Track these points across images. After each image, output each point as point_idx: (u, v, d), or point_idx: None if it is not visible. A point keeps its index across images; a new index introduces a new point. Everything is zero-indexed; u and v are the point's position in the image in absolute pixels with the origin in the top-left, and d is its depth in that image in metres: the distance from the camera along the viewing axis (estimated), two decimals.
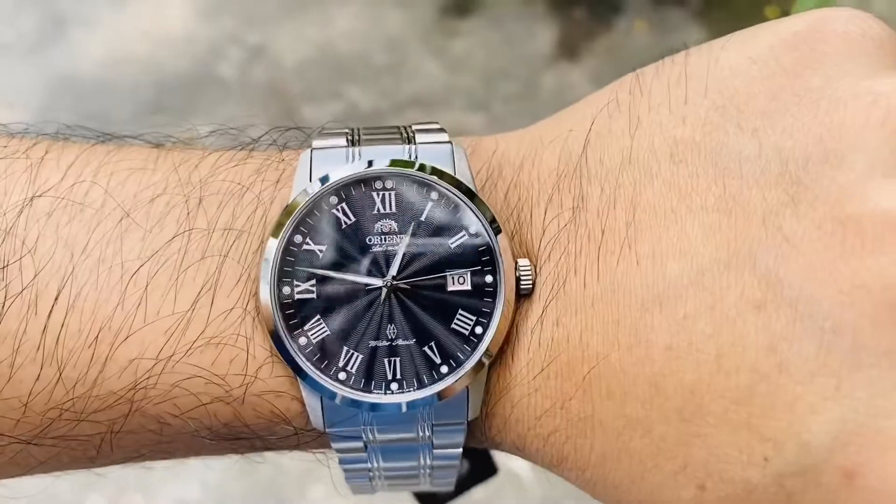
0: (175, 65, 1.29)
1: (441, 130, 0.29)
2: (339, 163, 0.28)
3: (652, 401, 0.25)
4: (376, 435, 0.28)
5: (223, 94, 1.22)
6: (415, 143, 0.28)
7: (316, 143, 0.28)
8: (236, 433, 0.28)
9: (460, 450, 0.29)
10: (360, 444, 0.28)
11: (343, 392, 0.27)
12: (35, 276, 0.26)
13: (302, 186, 0.27)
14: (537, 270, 0.27)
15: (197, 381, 0.26)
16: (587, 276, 0.26)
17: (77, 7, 1.30)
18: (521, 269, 0.27)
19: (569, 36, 1.31)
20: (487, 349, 0.27)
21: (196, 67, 1.28)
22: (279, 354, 0.26)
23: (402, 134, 0.29)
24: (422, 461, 0.29)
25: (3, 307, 0.25)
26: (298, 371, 0.26)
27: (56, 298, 0.26)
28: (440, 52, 1.31)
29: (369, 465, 0.29)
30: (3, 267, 0.26)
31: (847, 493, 0.22)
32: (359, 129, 0.29)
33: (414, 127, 0.29)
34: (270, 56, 1.28)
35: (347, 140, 0.28)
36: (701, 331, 0.24)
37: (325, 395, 0.27)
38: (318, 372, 0.27)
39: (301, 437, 0.28)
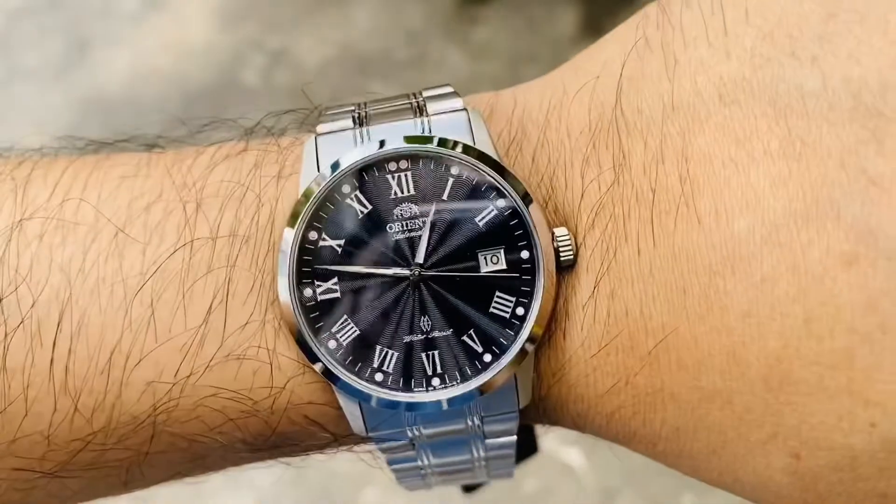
0: (199, 75, 1.29)
1: (454, 94, 0.27)
2: (347, 146, 0.25)
3: (731, 371, 0.23)
4: (423, 431, 0.26)
5: (249, 100, 1.22)
6: (427, 115, 0.26)
7: (321, 128, 0.26)
8: (272, 443, 0.26)
9: (514, 437, 0.27)
10: (406, 443, 0.27)
11: (378, 394, 0.25)
12: (33, 304, 0.24)
13: (310, 178, 0.25)
14: (581, 239, 0.25)
15: (221, 399, 0.25)
16: (641, 241, 0.24)
17: (99, 27, 1.31)
18: (559, 239, 0.25)
19: (592, 15, 1.28)
20: (531, 334, 0.25)
21: (220, 76, 1.27)
22: (308, 361, 0.25)
23: (412, 104, 0.27)
24: (475, 453, 0.27)
25: (5, 342, 0.24)
26: (330, 377, 0.25)
27: (59, 326, 0.24)
28: (462, 40, 1.29)
29: (419, 463, 0.27)
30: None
31: None
32: (365, 104, 0.27)
33: (424, 94, 0.27)
34: (293, 59, 1.28)
35: (354, 120, 0.26)
36: (784, 293, 0.22)
37: (361, 399, 0.25)
38: (351, 376, 0.25)
39: (342, 441, 0.27)
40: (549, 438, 0.93)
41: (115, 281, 0.25)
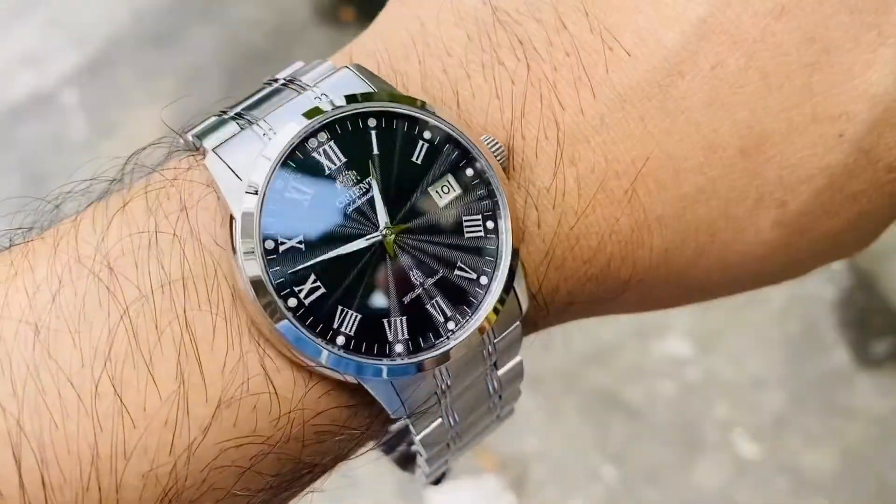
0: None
1: (320, 62, 0.25)
2: (253, 146, 0.24)
3: (709, 162, 0.24)
4: (450, 382, 0.25)
5: None
6: (311, 87, 0.25)
7: (209, 143, 0.24)
8: (299, 472, 0.24)
9: (521, 358, 0.26)
10: (436, 406, 0.25)
11: (406, 362, 0.24)
12: None
13: (235, 191, 0.23)
14: (519, 132, 0.25)
15: (230, 453, 0.22)
16: (581, 101, 0.24)
17: (53, 161, 1.28)
18: (488, 144, 0.25)
19: None
20: (513, 245, 0.24)
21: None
22: (316, 372, 0.23)
23: (286, 85, 0.25)
24: (491, 389, 0.27)
25: None
26: (359, 370, 0.23)
27: (18, 465, 0.21)
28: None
29: (449, 423, 0.26)
30: None
31: None
32: (230, 108, 0.25)
33: (285, 76, 0.25)
34: None
35: (237, 124, 0.24)
36: (735, 67, 0.24)
37: (393, 376, 0.24)
38: (374, 359, 0.23)
39: (368, 436, 0.25)
40: None
41: (60, 386, 0.21)
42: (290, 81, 0.25)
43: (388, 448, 0.29)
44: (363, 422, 0.25)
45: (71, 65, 1.28)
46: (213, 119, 0.25)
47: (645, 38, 0.24)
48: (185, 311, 0.22)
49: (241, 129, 0.24)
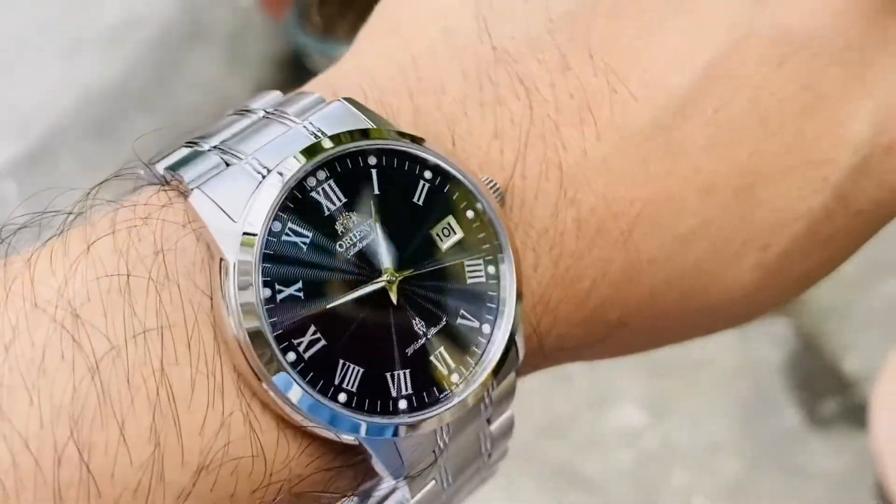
0: None
1: (302, 95, 0.24)
2: (245, 184, 0.22)
3: (705, 204, 0.25)
4: (448, 440, 0.23)
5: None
6: (300, 121, 0.23)
7: (189, 178, 0.22)
8: None
9: (512, 413, 0.25)
10: (432, 468, 0.24)
11: (411, 420, 0.22)
12: None
13: (225, 232, 0.21)
14: (519, 172, 0.24)
15: None
16: (584, 143, 0.24)
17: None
18: (487, 183, 0.24)
19: None
20: (517, 290, 0.23)
21: None
22: (308, 431, 0.21)
23: (271, 117, 0.24)
24: (483, 449, 0.25)
25: None
26: (358, 429, 0.21)
27: None
28: None
29: (440, 487, 0.24)
30: None
31: (888, 163, 0.26)
32: (207, 139, 0.23)
33: (265, 108, 0.24)
34: None
35: (221, 159, 0.23)
36: (739, 111, 0.25)
37: (391, 436, 0.22)
38: (377, 418, 0.22)
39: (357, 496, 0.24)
40: None
41: (15, 452, 0.19)
42: (273, 113, 0.24)
43: None
44: (347, 484, 0.23)
45: (10, 155, 1.26)
46: (187, 151, 0.23)
47: (650, 81, 0.25)
48: (161, 366, 0.20)
49: (226, 164, 0.22)
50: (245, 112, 0.24)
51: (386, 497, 0.26)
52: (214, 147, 0.23)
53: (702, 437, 0.94)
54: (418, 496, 0.24)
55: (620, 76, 0.25)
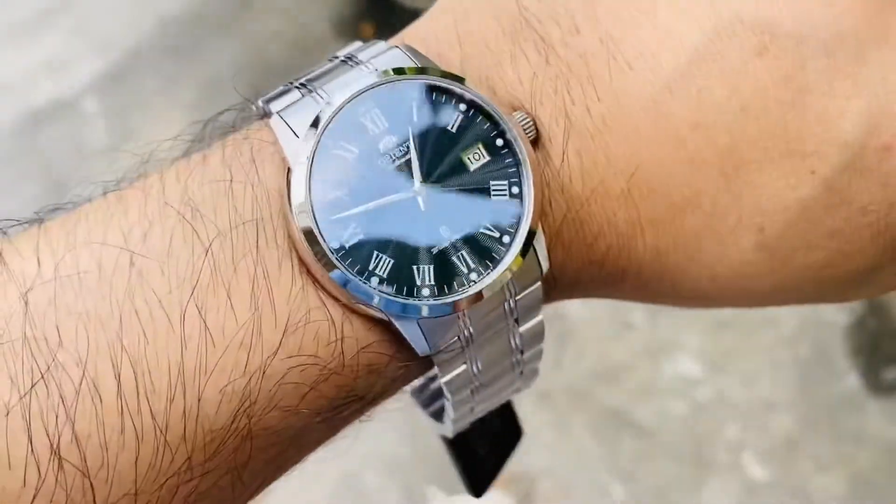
0: None
1: (374, 42, 0.29)
2: (311, 110, 0.27)
3: (693, 176, 0.27)
4: (472, 328, 0.27)
5: None
6: (366, 63, 0.28)
7: (274, 107, 0.27)
8: (345, 402, 0.27)
9: (542, 318, 0.29)
10: (460, 352, 0.28)
11: (431, 303, 0.26)
12: (83, 367, 0.23)
13: (293, 148, 0.26)
14: (535, 116, 0.28)
15: (293, 374, 0.25)
16: (587, 101, 0.27)
17: (74, 167, 1.30)
18: (519, 120, 0.27)
19: None
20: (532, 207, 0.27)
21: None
22: (357, 308, 0.26)
23: (344, 62, 0.28)
24: (513, 344, 0.29)
25: (70, 414, 0.23)
26: (388, 306, 0.26)
27: (118, 378, 0.23)
28: None
29: (474, 371, 0.29)
30: (41, 378, 0.23)
31: (888, 163, 0.26)
32: (299, 78, 0.28)
33: (344, 54, 0.29)
34: None
35: (300, 92, 0.28)
36: (720, 95, 0.26)
37: (417, 316, 0.26)
38: (402, 299, 0.26)
39: (410, 372, 0.28)
40: None
41: (152, 308, 0.24)
42: (349, 58, 0.28)
43: (424, 403, 0.33)
44: (405, 355, 0.27)
45: (93, 72, 1.30)
46: (281, 88, 0.28)
47: (644, 54, 0.27)
48: (257, 248, 0.25)
49: (303, 96, 0.27)
50: (332, 58, 0.29)
51: (435, 398, 0.32)
52: (300, 85, 0.28)
53: (757, 394, 0.94)
54: (449, 376, 0.28)
55: (620, 46, 0.27)
